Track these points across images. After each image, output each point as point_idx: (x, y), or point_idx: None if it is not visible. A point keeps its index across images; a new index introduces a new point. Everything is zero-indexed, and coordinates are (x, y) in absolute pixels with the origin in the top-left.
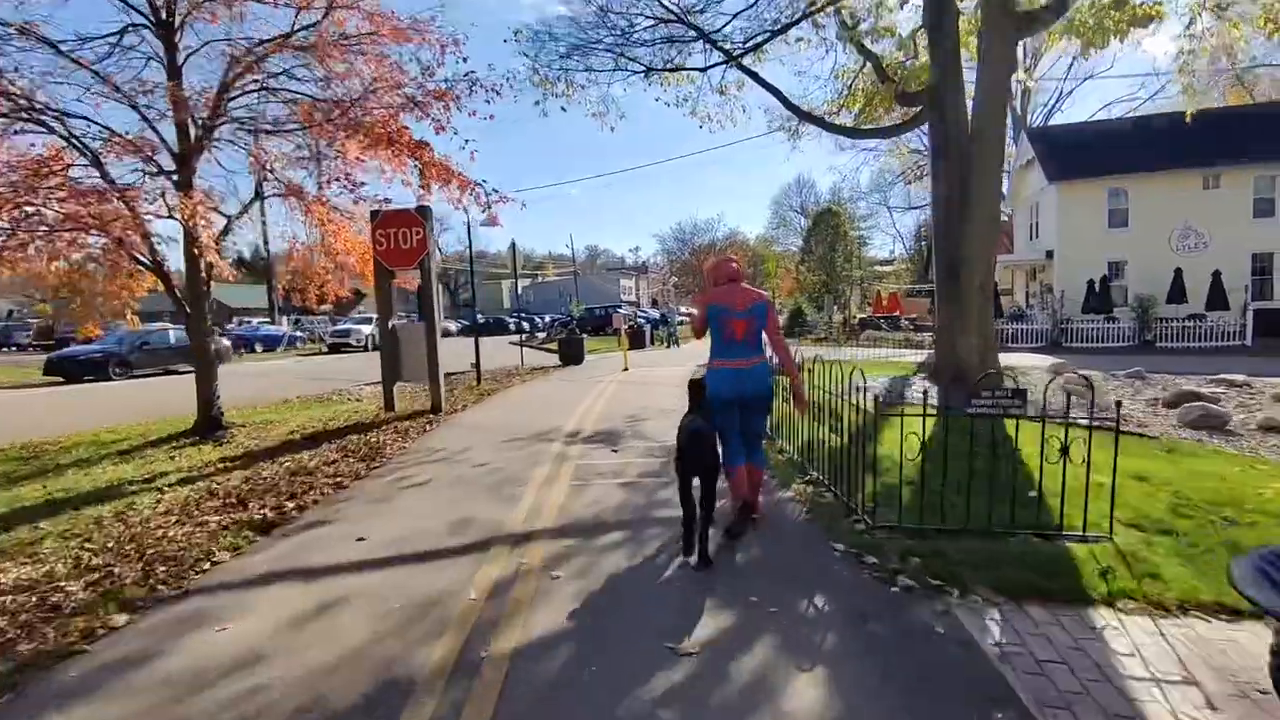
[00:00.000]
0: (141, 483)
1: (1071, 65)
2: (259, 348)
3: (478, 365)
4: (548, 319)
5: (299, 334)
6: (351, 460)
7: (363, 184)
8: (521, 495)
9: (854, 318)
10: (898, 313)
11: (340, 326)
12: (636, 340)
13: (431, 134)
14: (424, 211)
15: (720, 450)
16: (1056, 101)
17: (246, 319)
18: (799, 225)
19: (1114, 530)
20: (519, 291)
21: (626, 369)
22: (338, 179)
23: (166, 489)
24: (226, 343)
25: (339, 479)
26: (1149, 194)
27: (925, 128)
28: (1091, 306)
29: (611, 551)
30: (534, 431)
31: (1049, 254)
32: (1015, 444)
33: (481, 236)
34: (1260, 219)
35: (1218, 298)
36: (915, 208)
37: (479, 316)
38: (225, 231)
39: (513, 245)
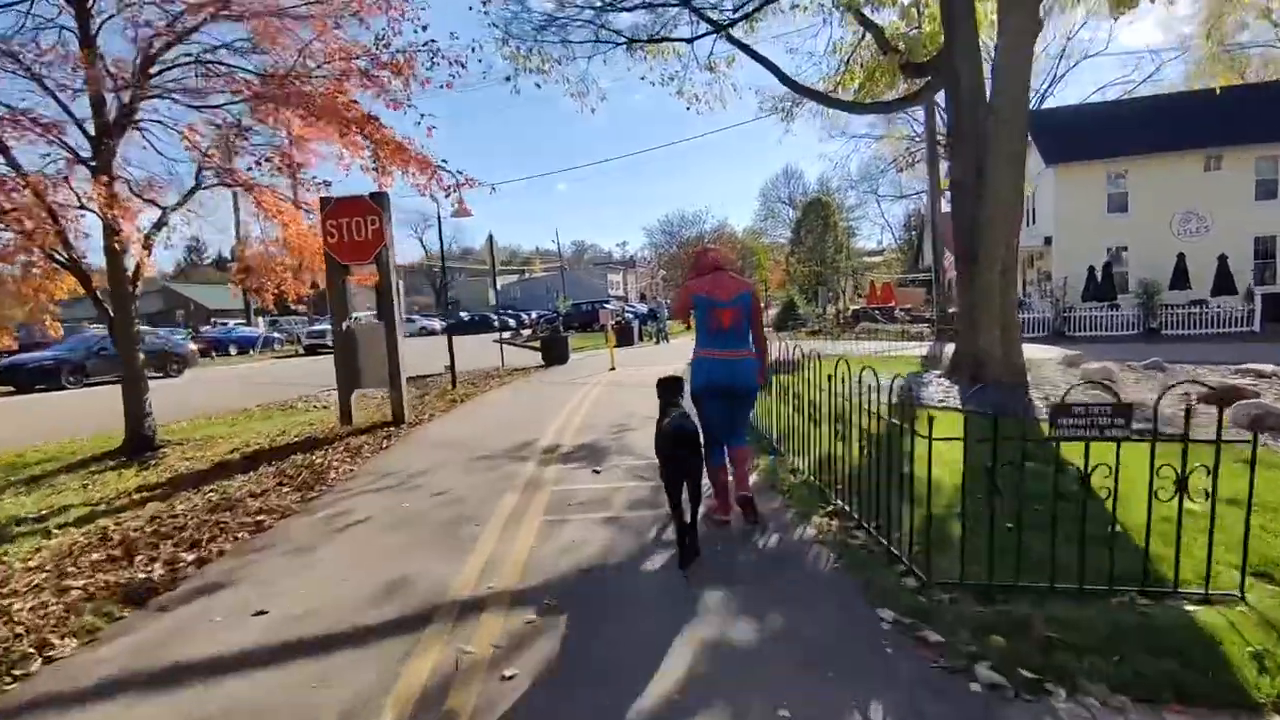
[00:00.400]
0: (33, 521)
1: (1065, 46)
2: (233, 350)
3: (452, 368)
4: (534, 315)
5: (276, 335)
6: (286, 490)
7: (300, 164)
8: (478, 538)
9: (847, 309)
10: (892, 303)
11: (317, 327)
12: (624, 337)
13: (388, 114)
14: (380, 199)
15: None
16: (1049, 85)
17: (223, 320)
18: (787, 217)
19: (1245, 586)
20: (498, 288)
21: (613, 369)
22: (269, 158)
23: (58, 530)
24: (192, 347)
25: (262, 516)
26: (1149, 177)
27: (923, 112)
28: (1092, 294)
29: (587, 629)
30: (505, 447)
31: (1047, 240)
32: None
33: (466, 233)
34: (1263, 201)
35: (1224, 282)
36: (905, 196)
37: (463, 315)
38: (160, 225)
39: (490, 239)
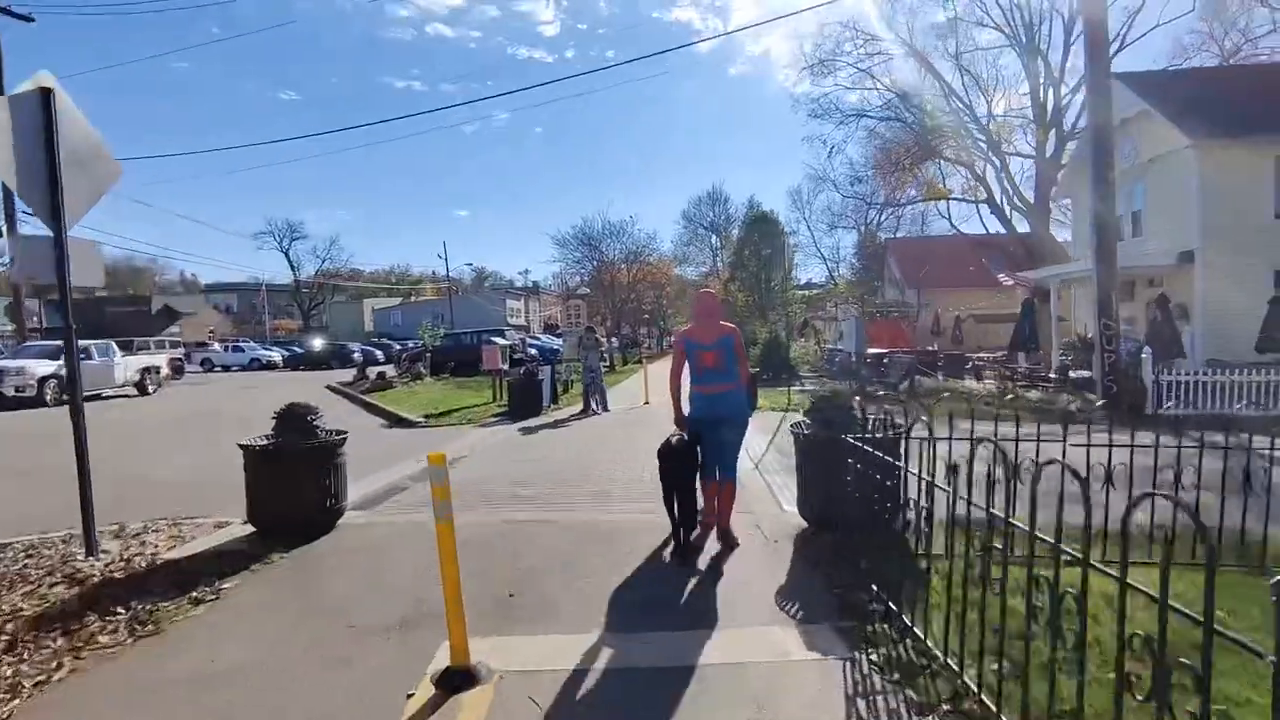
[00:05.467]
0: None
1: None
2: None
3: None
4: (410, 345)
5: None
6: None
7: None
8: None
9: (821, 348)
10: (932, 348)
11: (15, 361)
12: (527, 400)
13: None
14: None
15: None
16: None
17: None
18: (712, 244)
19: None
20: (374, 312)
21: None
22: None
23: None
24: None
25: None
26: None
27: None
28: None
29: None
30: None
31: (1184, 257)
32: None
33: (344, 250)
34: None
35: None
36: (851, 217)
37: (317, 343)
38: None
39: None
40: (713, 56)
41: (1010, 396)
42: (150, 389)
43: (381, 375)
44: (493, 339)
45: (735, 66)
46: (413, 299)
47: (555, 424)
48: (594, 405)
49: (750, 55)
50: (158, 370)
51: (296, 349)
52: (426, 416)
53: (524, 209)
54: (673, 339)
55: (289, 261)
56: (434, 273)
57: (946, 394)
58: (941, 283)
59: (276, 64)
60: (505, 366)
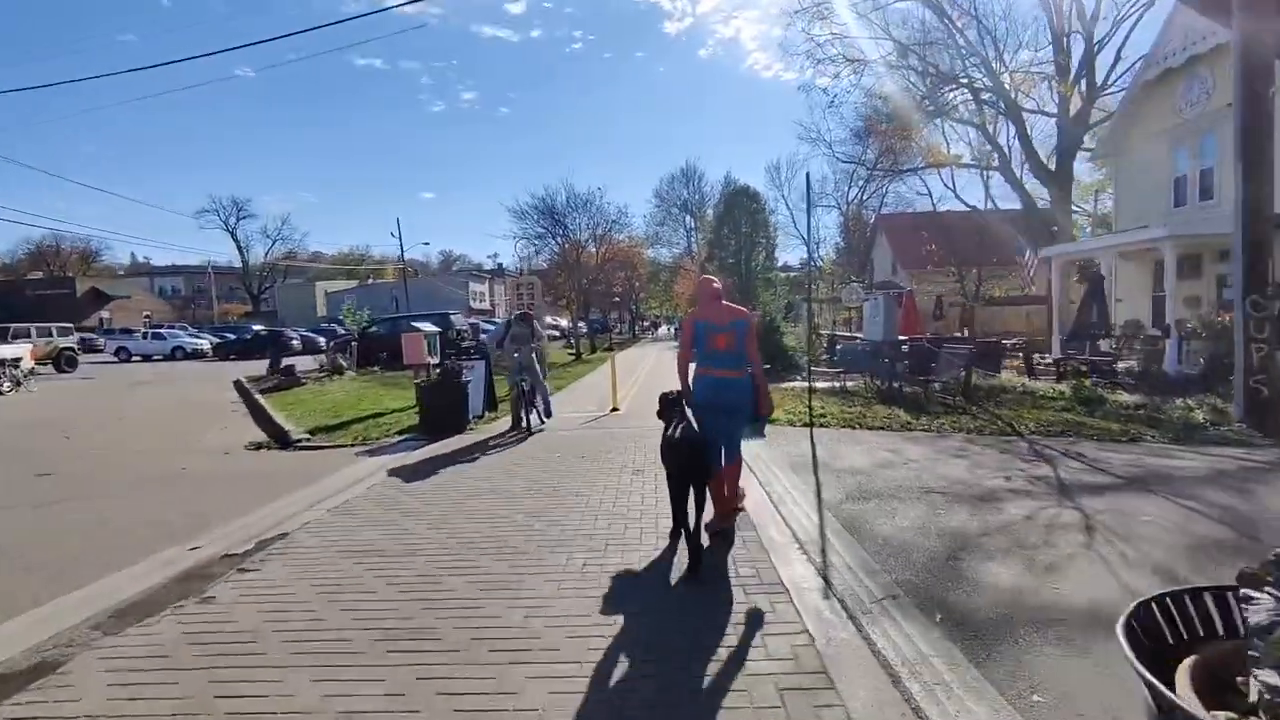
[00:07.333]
0: None
1: None
2: None
3: None
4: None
5: None
6: None
7: None
8: None
9: (817, 335)
10: (963, 332)
11: None
12: (445, 410)
13: None
14: None
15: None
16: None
17: None
18: (686, 225)
19: None
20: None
21: None
22: None
23: None
24: None
25: None
26: None
27: None
28: None
29: None
30: None
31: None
32: None
33: (298, 231)
34: None
35: None
36: (880, 174)
37: (257, 329)
38: None
39: None
40: (684, 38)
41: (1090, 398)
42: (4, 387)
43: (289, 370)
44: (415, 325)
45: (705, 49)
46: (370, 281)
47: (480, 450)
48: (534, 417)
49: (721, 38)
50: (15, 364)
51: (229, 336)
52: (314, 431)
53: (493, 192)
54: (679, 324)
55: (235, 241)
56: (400, 257)
57: (1006, 394)
58: (943, 262)
59: (231, 40)
60: (434, 361)
